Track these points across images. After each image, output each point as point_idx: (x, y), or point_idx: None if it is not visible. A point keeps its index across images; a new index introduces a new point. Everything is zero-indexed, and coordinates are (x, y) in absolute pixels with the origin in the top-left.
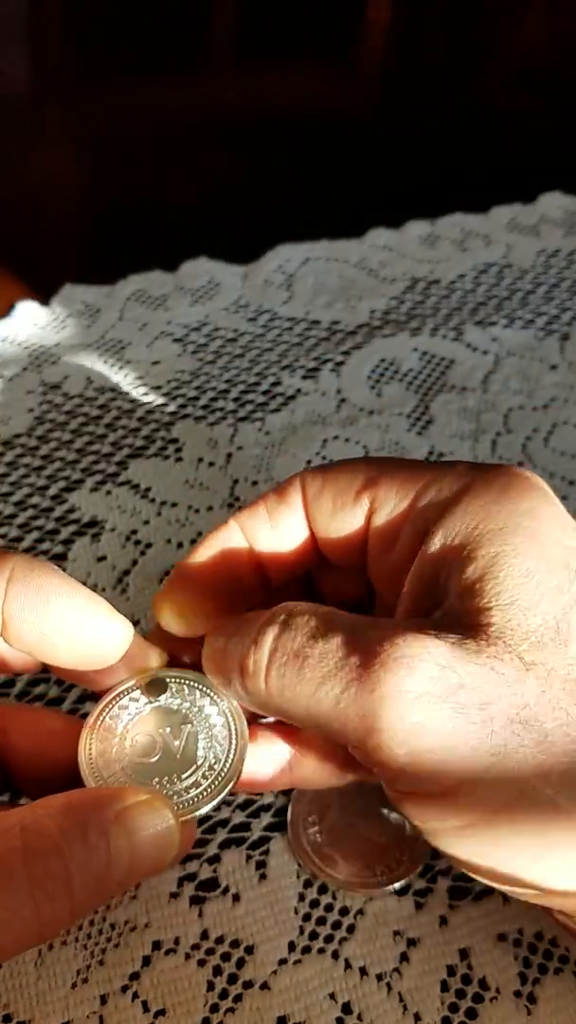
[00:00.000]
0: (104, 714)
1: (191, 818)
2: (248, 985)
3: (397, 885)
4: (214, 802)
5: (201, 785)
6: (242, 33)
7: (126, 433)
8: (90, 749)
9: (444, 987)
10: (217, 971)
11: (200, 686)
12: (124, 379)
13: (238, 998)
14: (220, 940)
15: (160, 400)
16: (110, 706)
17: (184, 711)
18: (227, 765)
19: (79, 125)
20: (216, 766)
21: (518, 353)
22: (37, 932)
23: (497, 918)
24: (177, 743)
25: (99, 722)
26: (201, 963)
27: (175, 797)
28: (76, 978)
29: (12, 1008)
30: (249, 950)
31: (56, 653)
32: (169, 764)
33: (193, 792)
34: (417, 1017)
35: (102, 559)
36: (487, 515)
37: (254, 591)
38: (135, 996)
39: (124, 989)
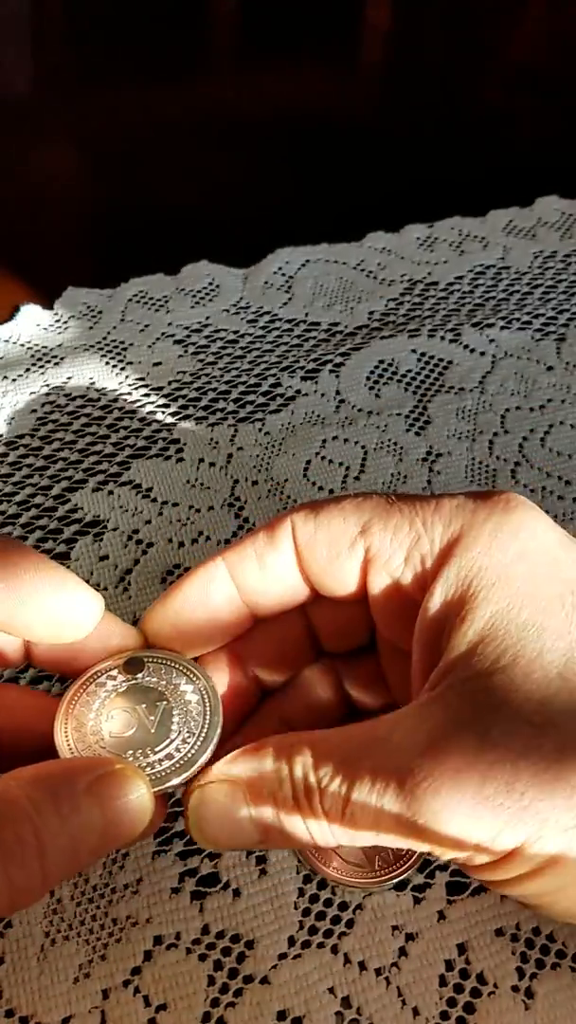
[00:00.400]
0: (82, 690)
1: (164, 790)
2: (248, 979)
3: (396, 880)
4: (187, 774)
5: (174, 757)
6: (242, 34)
7: (128, 434)
8: (66, 724)
9: (442, 981)
10: (218, 966)
11: (177, 665)
12: (126, 380)
13: (239, 992)
14: (221, 935)
15: (161, 401)
16: (88, 683)
17: (160, 689)
18: (200, 739)
19: (79, 126)
20: (190, 739)
21: (515, 354)
22: (8, 899)
23: (495, 913)
24: (152, 718)
25: (76, 697)
26: (202, 958)
27: (148, 769)
28: (78, 973)
29: (14, 1003)
30: (249, 945)
31: (30, 627)
32: (143, 738)
33: (166, 764)
34: (415, 1011)
35: (104, 558)
36: (480, 569)
37: (239, 624)
38: (136, 991)
39: (126, 984)
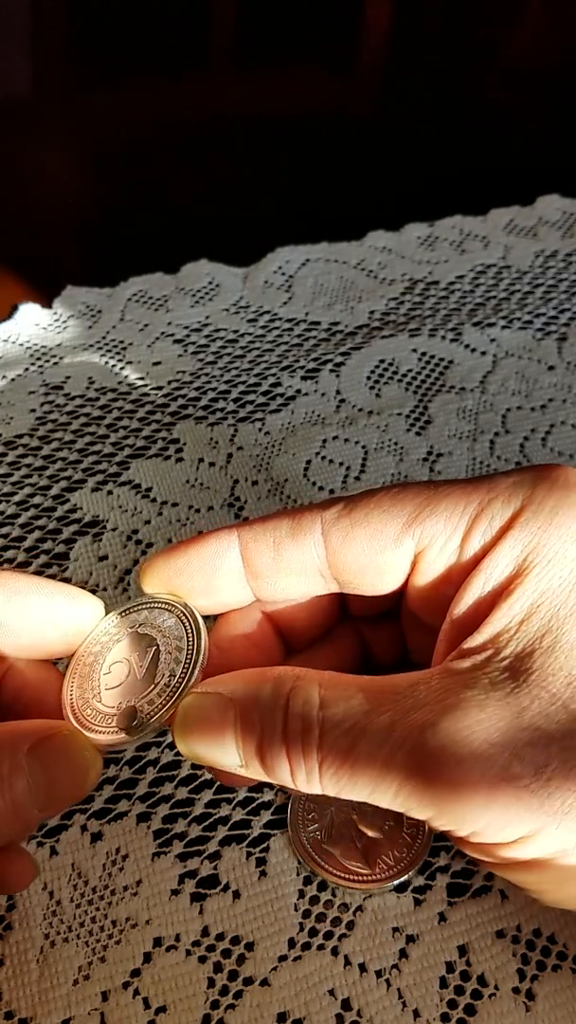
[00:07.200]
0: (87, 649)
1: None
2: (248, 982)
3: (396, 882)
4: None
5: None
6: (242, 34)
7: (127, 433)
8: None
9: (443, 983)
10: (218, 968)
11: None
12: (125, 380)
13: (238, 994)
14: (221, 937)
15: (161, 401)
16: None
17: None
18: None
19: (80, 126)
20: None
21: (516, 354)
22: None
23: (495, 915)
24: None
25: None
26: (202, 960)
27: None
28: (77, 975)
29: (14, 1005)
30: (249, 947)
31: (48, 645)
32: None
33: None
34: (416, 1013)
35: (103, 558)
36: (536, 547)
37: (239, 602)
38: (136, 993)
39: (125, 986)
